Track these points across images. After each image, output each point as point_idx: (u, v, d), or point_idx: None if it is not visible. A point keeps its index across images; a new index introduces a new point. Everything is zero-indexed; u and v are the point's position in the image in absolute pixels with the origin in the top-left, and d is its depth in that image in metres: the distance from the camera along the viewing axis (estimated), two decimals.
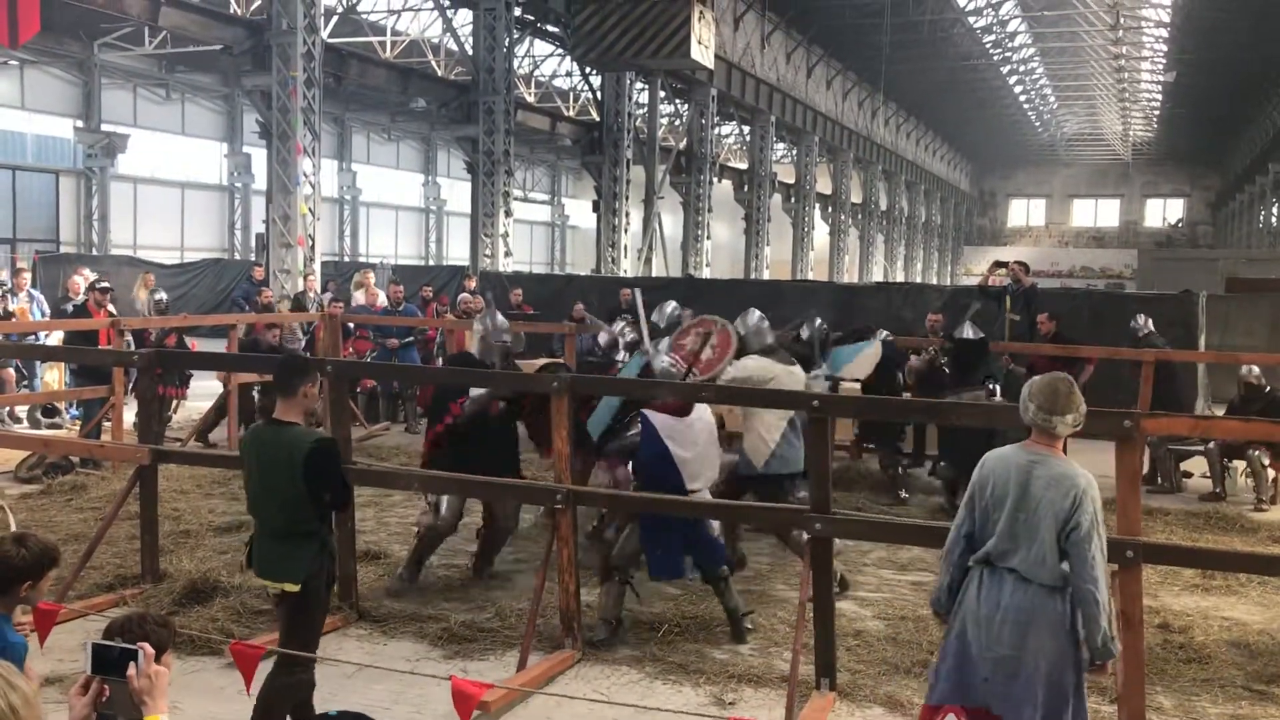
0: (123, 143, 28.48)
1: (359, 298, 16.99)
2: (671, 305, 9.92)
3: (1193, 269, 32.51)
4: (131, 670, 2.55)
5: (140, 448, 7.15)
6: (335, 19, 25.30)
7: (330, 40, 21.46)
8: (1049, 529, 4.14)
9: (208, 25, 18.13)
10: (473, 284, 17.25)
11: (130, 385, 10.79)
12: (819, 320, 9.43)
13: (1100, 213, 68.92)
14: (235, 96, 31.38)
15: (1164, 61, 45.00)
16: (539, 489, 6.77)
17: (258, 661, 4.09)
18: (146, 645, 2.60)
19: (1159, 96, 52.47)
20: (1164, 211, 67.78)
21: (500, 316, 7.93)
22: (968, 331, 10.03)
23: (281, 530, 4.80)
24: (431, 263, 39.30)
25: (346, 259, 34.51)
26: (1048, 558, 4.15)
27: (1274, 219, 44.06)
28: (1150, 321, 12.06)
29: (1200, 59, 40.49)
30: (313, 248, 17.74)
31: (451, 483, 6.71)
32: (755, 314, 8.07)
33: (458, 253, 39.15)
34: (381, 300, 16.35)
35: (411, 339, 14.26)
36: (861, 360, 9.42)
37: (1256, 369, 11.05)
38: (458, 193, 38.82)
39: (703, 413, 6.55)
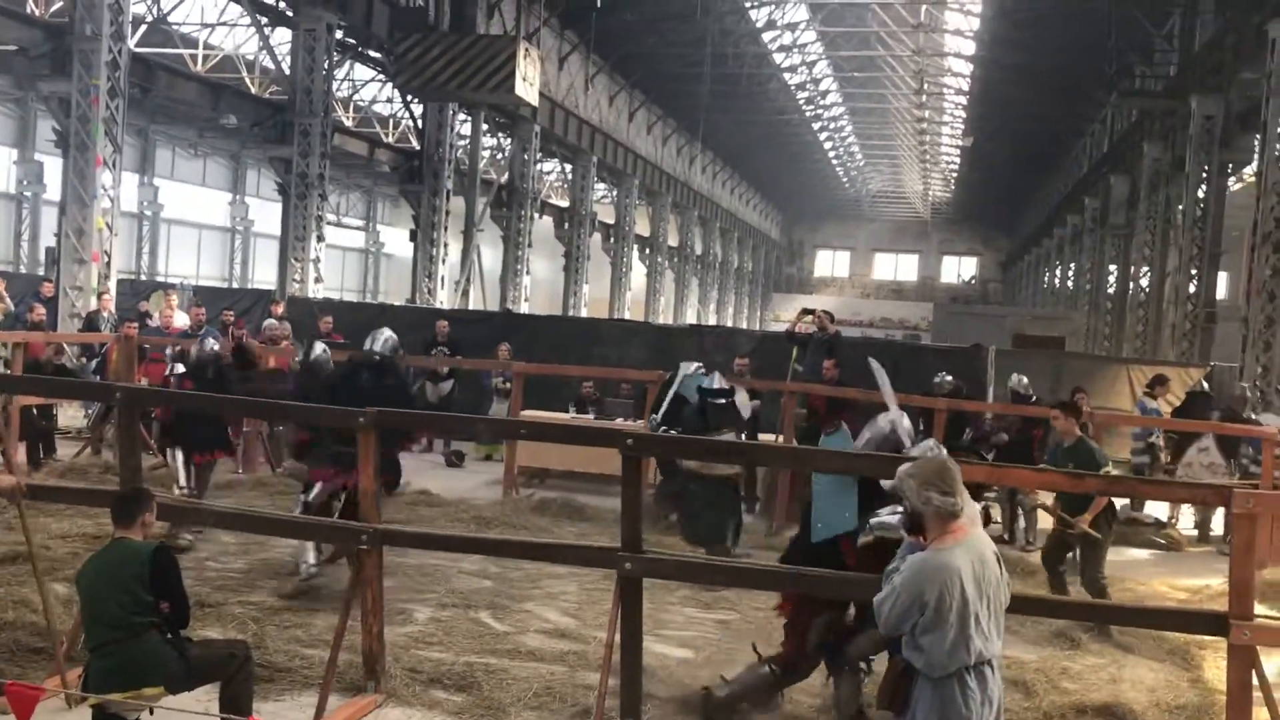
0: None
1: (156, 320, 16.21)
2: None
3: (983, 324, 34.52)
4: None
5: None
6: (144, 28, 24.22)
7: (137, 50, 20.52)
8: (1001, 598, 4.34)
9: (2, 25, 17.05)
10: (280, 309, 16.71)
11: None
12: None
13: (900, 267, 72.39)
14: (29, 101, 29.55)
15: (962, 127, 47.87)
16: (344, 528, 6.55)
17: (36, 703, 3.83)
18: None
19: (957, 160, 55.73)
20: (959, 268, 71.75)
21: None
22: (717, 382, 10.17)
23: None
24: (236, 285, 37.85)
25: (144, 277, 32.86)
26: (1003, 624, 4.36)
27: (1057, 281, 47.26)
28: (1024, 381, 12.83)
29: (995, 127, 43.30)
30: (108, 264, 16.84)
31: (259, 521, 6.46)
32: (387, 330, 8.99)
33: (264, 276, 37.87)
34: (179, 321, 15.63)
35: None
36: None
37: (1025, 379, 12.12)
38: (266, 214, 37.63)
39: None
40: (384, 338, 9.02)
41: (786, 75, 42.80)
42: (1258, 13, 18.73)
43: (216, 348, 10.19)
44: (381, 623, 6.01)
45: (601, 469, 11.54)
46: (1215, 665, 7.12)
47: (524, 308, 28.19)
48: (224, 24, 28.38)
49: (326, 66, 21.14)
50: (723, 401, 9.61)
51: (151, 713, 4.66)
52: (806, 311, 13.92)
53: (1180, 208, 23.64)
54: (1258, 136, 18.55)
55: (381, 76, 30.88)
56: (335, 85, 24.57)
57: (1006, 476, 5.55)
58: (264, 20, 22.00)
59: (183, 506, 7.12)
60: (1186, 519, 12.92)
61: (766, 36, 38.44)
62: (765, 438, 11.81)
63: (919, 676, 4.29)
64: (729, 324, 53.34)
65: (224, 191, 40.78)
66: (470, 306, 26.39)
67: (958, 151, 53.28)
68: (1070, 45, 29.74)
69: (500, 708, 5.90)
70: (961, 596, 4.17)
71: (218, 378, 9.81)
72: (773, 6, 36.62)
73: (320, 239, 21.47)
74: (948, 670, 4.22)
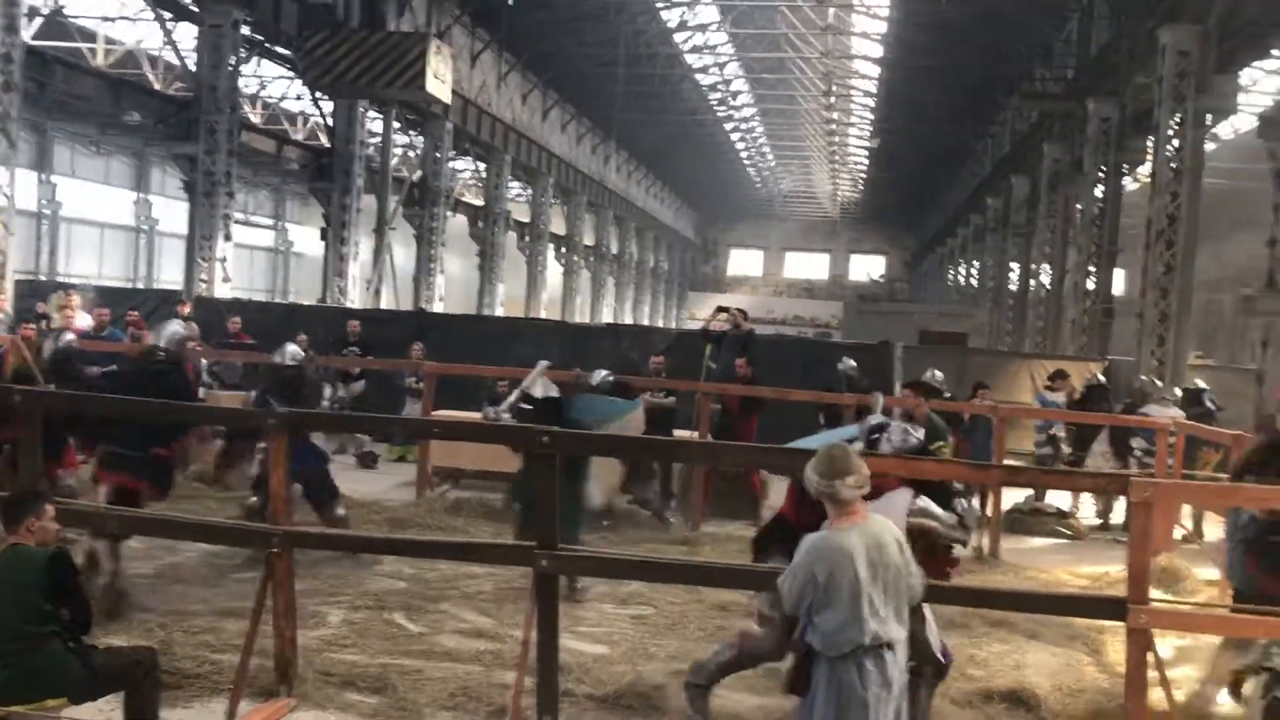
0: None
1: (56, 320, 15.73)
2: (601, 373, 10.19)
3: (891, 321, 35.19)
4: None
5: None
6: (39, 21, 23.48)
7: (33, 43, 19.89)
8: (901, 585, 4.45)
9: None
10: (186, 310, 16.33)
11: None
12: None
13: (811, 265, 73.33)
14: None
15: (870, 129, 48.68)
16: (253, 531, 6.46)
17: None
18: None
19: (865, 161, 56.65)
20: (867, 267, 72.89)
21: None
22: (539, 390, 9.80)
23: None
24: (141, 285, 36.86)
25: (44, 278, 31.84)
26: (905, 611, 4.47)
27: (961, 278, 48.32)
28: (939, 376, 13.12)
29: (901, 129, 44.10)
30: (4, 264, 16.31)
31: (164, 525, 6.32)
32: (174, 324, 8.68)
33: (170, 276, 36.92)
34: (81, 322, 15.20)
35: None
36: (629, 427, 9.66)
37: (940, 374, 12.45)
38: (173, 212, 36.65)
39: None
40: (169, 332, 8.62)
41: (699, 76, 43.08)
42: (1149, 19, 19.40)
43: (75, 343, 9.81)
44: (294, 626, 5.94)
45: (517, 468, 11.51)
46: (1115, 649, 7.37)
47: (438, 307, 27.93)
48: (125, 18, 27.67)
49: (233, 62, 20.70)
50: (528, 408, 9.29)
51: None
52: (721, 309, 14.06)
53: (1079, 207, 24.35)
54: (1151, 138, 19.21)
55: (290, 73, 30.36)
56: (242, 81, 24.07)
57: (913, 469, 5.68)
58: (167, 15, 21.49)
59: (84, 511, 6.94)
60: (1088, 508, 13.35)
61: (679, 37, 38.65)
62: (680, 434, 11.91)
63: (819, 658, 4.44)
64: (645, 323, 53.53)
65: (128, 190, 39.63)
66: (383, 306, 26.09)
67: (866, 152, 54.15)
68: (974, 49, 30.45)
69: (415, 709, 5.87)
70: (854, 576, 4.34)
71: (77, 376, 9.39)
72: (684, 8, 36.83)
73: (228, 238, 21.03)
74: (842, 650, 4.36)
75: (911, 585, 4.54)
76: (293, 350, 9.21)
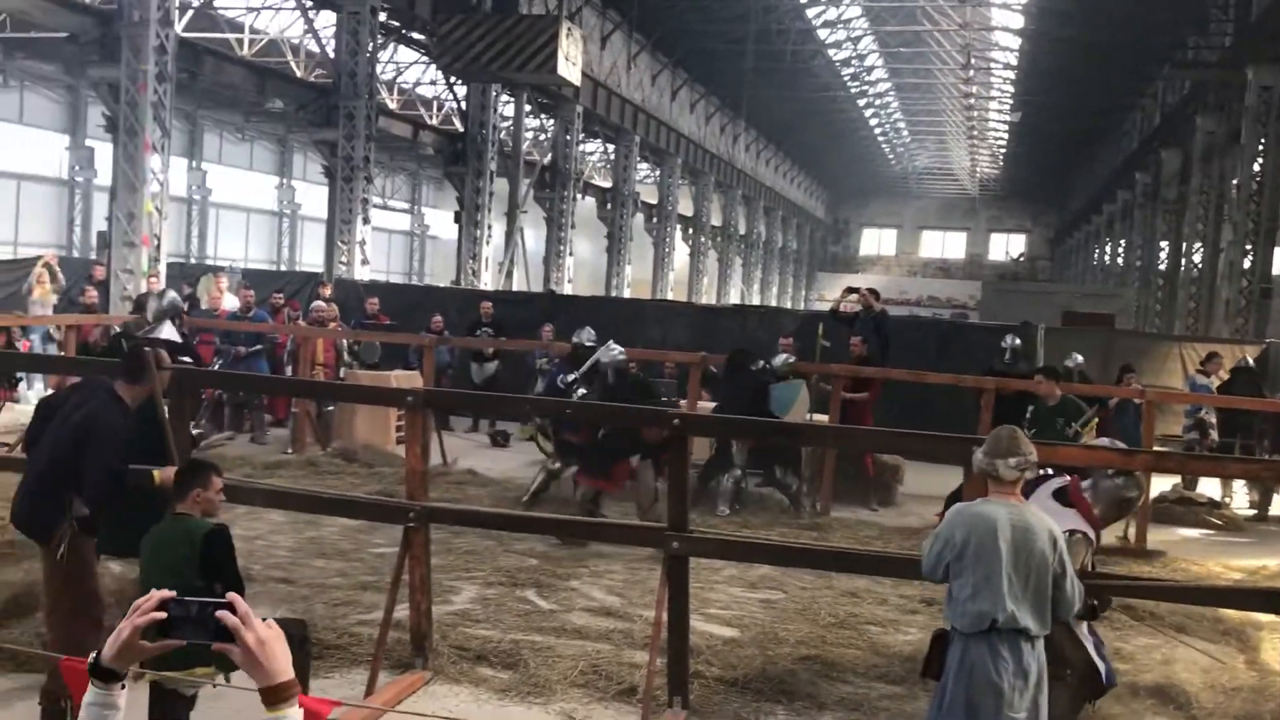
0: None
1: (204, 302, 16.41)
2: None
3: (1032, 301, 34.04)
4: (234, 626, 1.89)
5: None
6: (190, 13, 24.43)
7: (184, 34, 20.71)
8: (1045, 580, 4.32)
9: (52, 11, 17.23)
10: (327, 291, 16.85)
11: None
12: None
13: (947, 244, 71.54)
14: (80, 87, 29.90)
15: (1010, 102, 47.17)
16: (391, 506, 6.61)
17: (89, 680, 3.88)
18: (234, 596, 1.97)
19: (1005, 135, 54.90)
20: (1007, 245, 70.75)
21: None
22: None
23: None
24: (284, 268, 38.21)
25: (194, 260, 33.28)
26: (1045, 610, 4.35)
27: (1106, 257, 46.54)
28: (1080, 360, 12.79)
29: (1043, 102, 42.57)
30: (158, 248, 17.04)
31: (307, 499, 6.52)
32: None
33: (311, 258, 38.16)
34: (228, 304, 15.83)
35: (260, 347, 13.83)
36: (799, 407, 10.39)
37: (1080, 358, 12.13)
38: (313, 197, 37.86)
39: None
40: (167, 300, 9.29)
41: (831, 51, 42.33)
42: None
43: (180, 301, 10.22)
44: (429, 600, 6.05)
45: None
46: (1273, 646, 7.01)
47: (567, 289, 28.21)
48: (269, 8, 28.58)
49: (370, 49, 21.22)
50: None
51: (228, 680, 4.72)
52: (850, 290, 13.81)
53: (1235, 181, 23.15)
54: None
55: (425, 58, 30.95)
56: (379, 68, 24.64)
57: (1055, 455, 5.47)
58: (308, 3, 22.10)
59: (228, 486, 7.20)
60: (1242, 499, 12.74)
61: (811, 12, 38.04)
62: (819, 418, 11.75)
63: (954, 638, 4.35)
64: (773, 304, 53.08)
65: (271, 175, 41.11)
66: (514, 288, 26.45)
67: (1006, 127, 52.50)
68: (1121, 17, 29.16)
69: (546, 685, 5.93)
70: (991, 546, 4.25)
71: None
72: None
73: (366, 221, 21.60)
74: (976, 624, 4.24)
75: (1065, 592, 4.36)
76: (617, 352, 9.66)
